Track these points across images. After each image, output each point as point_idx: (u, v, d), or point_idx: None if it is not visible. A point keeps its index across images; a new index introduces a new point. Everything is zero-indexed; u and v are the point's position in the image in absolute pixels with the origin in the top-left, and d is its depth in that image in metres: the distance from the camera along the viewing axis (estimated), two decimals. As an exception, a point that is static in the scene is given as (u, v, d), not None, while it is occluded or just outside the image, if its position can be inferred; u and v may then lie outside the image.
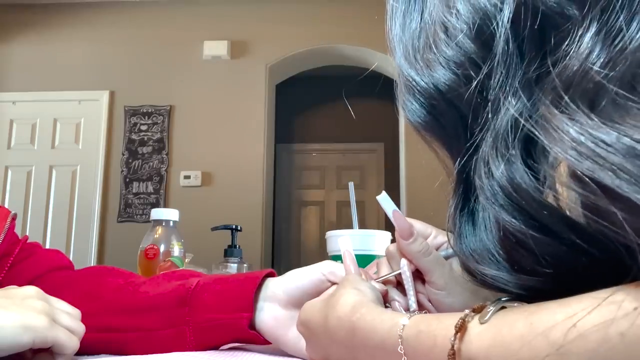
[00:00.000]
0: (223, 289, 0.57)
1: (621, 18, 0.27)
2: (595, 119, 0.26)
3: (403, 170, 3.92)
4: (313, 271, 0.56)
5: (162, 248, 0.99)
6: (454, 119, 0.35)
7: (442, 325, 0.31)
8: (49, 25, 4.17)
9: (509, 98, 0.31)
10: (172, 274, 0.63)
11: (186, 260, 1.06)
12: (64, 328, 0.48)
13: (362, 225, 0.80)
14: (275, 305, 0.56)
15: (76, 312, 0.51)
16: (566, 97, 0.27)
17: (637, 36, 0.26)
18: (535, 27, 0.30)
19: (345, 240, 0.56)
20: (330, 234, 0.82)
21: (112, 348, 0.56)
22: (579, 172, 0.25)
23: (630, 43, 0.26)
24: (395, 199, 4.38)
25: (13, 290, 0.49)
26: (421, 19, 0.37)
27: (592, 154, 0.25)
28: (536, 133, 0.29)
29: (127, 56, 4.08)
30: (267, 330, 0.56)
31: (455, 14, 0.33)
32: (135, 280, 0.63)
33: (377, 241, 0.79)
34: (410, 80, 0.37)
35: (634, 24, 0.26)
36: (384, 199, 0.57)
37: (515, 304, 0.30)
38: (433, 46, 0.35)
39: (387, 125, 4.79)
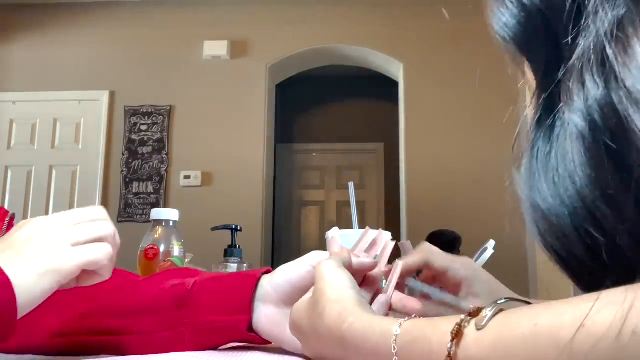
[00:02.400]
0: (220, 289, 0.57)
1: None
2: None
3: (403, 170, 3.92)
4: (301, 265, 0.55)
5: (162, 248, 0.99)
6: (545, 29, 0.34)
7: (437, 331, 0.31)
8: (49, 25, 4.17)
9: (606, 8, 0.29)
10: (170, 273, 0.63)
11: (186, 260, 1.06)
12: (84, 245, 0.45)
13: (362, 225, 0.80)
14: (268, 305, 0.56)
15: (97, 227, 0.47)
16: None
17: None
18: None
19: (334, 232, 0.57)
20: (331, 234, 0.82)
21: (111, 350, 0.56)
22: None
23: None
24: (395, 199, 4.37)
25: (12, 238, 0.45)
26: None
27: None
28: (610, 52, 0.27)
29: (127, 56, 4.08)
30: (263, 330, 0.56)
31: None
32: (134, 280, 0.63)
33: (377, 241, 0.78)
34: None
35: None
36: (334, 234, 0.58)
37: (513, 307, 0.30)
38: None
39: (387, 125, 4.78)
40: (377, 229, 0.78)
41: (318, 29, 4.05)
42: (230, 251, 1.22)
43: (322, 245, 0.57)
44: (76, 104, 4.07)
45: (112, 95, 4.06)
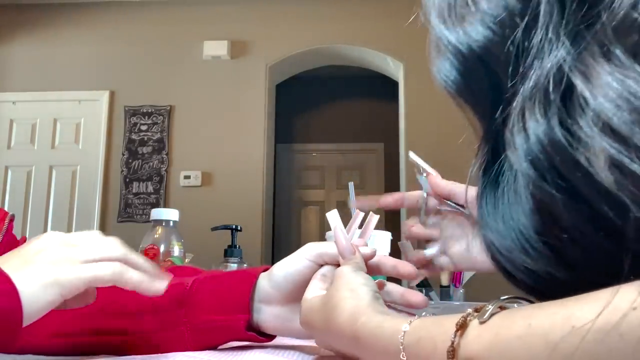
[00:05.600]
0: (219, 288, 0.57)
1: None
2: (637, 71, 0.25)
3: (403, 170, 3.92)
4: (297, 259, 0.55)
5: (162, 248, 0.99)
6: (486, 78, 0.34)
7: (441, 330, 0.32)
8: (49, 25, 4.17)
9: (551, 48, 0.29)
10: (170, 271, 0.63)
11: (186, 260, 1.06)
12: (92, 262, 0.44)
13: (362, 225, 0.80)
14: (273, 305, 0.56)
15: (106, 244, 0.47)
16: (610, 46, 0.26)
17: None
18: None
19: (334, 216, 0.56)
20: (331, 234, 0.82)
21: (111, 350, 0.56)
22: (614, 123, 0.25)
23: None
24: (395, 199, 4.35)
25: (24, 248, 0.45)
26: None
27: (629, 106, 0.24)
28: (576, 81, 0.27)
29: (127, 56, 4.08)
30: (271, 329, 0.56)
31: None
32: None
33: (377, 241, 0.79)
34: (443, 39, 0.35)
35: None
36: (333, 217, 0.57)
37: (515, 305, 0.31)
38: (470, 1, 0.34)
39: (387, 125, 4.78)
40: (377, 229, 0.78)
41: (318, 29, 4.05)
42: (230, 251, 1.22)
43: (322, 245, 0.57)
44: (76, 104, 4.08)
45: (112, 95, 4.06)
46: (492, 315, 0.30)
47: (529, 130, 0.29)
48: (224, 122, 3.95)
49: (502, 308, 0.30)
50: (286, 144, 5.16)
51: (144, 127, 3.99)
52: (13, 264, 0.42)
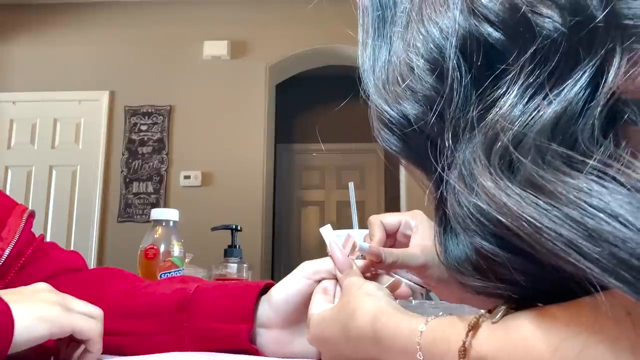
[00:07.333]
0: (222, 295, 0.57)
1: (540, 79, 0.27)
2: (507, 182, 0.27)
3: (403, 170, 3.91)
4: (296, 280, 0.55)
5: (162, 248, 0.99)
6: (425, 145, 0.36)
7: (455, 330, 0.33)
8: (49, 25, 4.17)
9: (467, 131, 0.31)
10: (174, 279, 0.63)
11: (186, 260, 1.06)
12: (80, 314, 0.48)
13: (362, 225, 0.80)
14: (272, 329, 0.56)
15: (90, 305, 0.52)
16: (485, 160, 0.29)
17: (547, 104, 0.27)
18: (480, 60, 0.30)
19: (328, 231, 0.56)
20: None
21: (111, 350, 0.56)
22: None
23: (545, 106, 0.27)
24: (395, 199, 4.36)
25: (22, 288, 0.49)
26: (389, 53, 0.38)
27: (508, 210, 0.26)
28: (468, 181, 0.30)
29: (127, 56, 4.08)
30: (272, 353, 0.56)
31: (414, 50, 0.34)
32: (140, 284, 0.63)
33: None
34: (381, 110, 0.38)
35: (544, 91, 0.27)
36: (326, 232, 0.57)
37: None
38: (399, 80, 0.36)
39: (387, 125, 4.77)
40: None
41: (318, 29, 4.05)
42: (230, 251, 1.22)
43: (322, 245, 0.57)
44: (76, 104, 4.07)
45: (112, 95, 4.05)
46: (503, 316, 0.31)
47: (463, 204, 0.31)
48: (224, 122, 3.95)
49: (514, 309, 0.31)
50: (286, 144, 5.16)
51: (144, 127, 3.99)
52: (13, 297, 0.45)
